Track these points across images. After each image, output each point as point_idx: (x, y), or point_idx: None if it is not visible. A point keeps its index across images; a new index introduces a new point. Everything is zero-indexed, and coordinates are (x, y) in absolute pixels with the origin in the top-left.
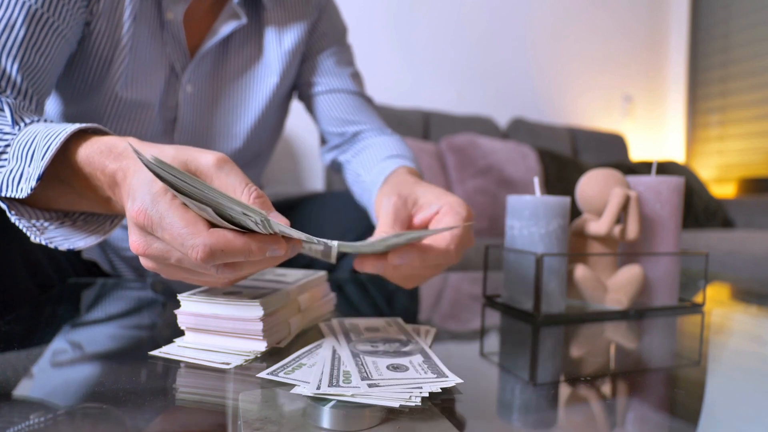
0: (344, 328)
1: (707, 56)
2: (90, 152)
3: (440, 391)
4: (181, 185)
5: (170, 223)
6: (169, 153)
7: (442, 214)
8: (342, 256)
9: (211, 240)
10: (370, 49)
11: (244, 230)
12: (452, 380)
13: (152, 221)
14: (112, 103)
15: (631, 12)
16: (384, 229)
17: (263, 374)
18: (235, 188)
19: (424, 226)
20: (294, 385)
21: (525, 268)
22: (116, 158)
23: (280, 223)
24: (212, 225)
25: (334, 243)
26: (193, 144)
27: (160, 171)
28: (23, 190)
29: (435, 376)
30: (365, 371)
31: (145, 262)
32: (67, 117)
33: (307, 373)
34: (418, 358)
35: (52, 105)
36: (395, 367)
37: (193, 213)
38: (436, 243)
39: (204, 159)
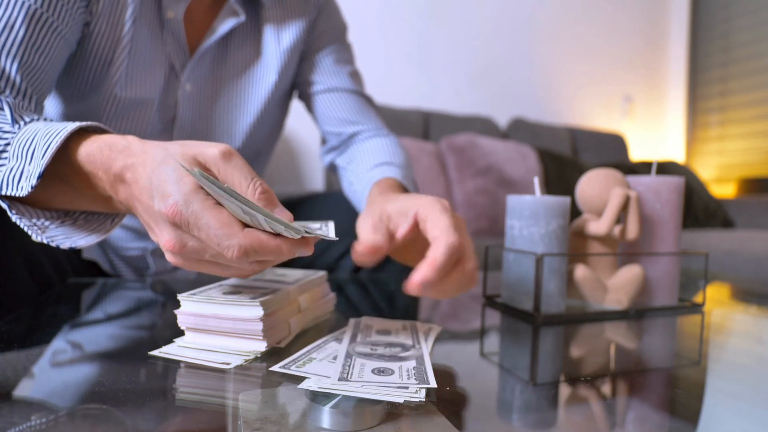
0: (359, 327)
1: (707, 56)
2: (90, 150)
3: (405, 401)
4: (225, 197)
5: (206, 223)
6: (176, 150)
7: (422, 219)
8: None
9: (246, 241)
10: (371, 50)
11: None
12: (423, 389)
13: (188, 221)
14: (111, 102)
15: (632, 12)
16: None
17: (276, 368)
18: (241, 183)
19: (408, 237)
20: (301, 380)
21: (525, 268)
22: (119, 156)
23: (301, 230)
24: (245, 225)
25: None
26: None
27: (205, 183)
28: (23, 189)
29: (417, 382)
30: (347, 372)
31: (172, 259)
32: (66, 116)
33: (318, 367)
34: (410, 364)
35: (51, 104)
36: (381, 371)
37: (227, 213)
38: (435, 250)
39: (210, 152)
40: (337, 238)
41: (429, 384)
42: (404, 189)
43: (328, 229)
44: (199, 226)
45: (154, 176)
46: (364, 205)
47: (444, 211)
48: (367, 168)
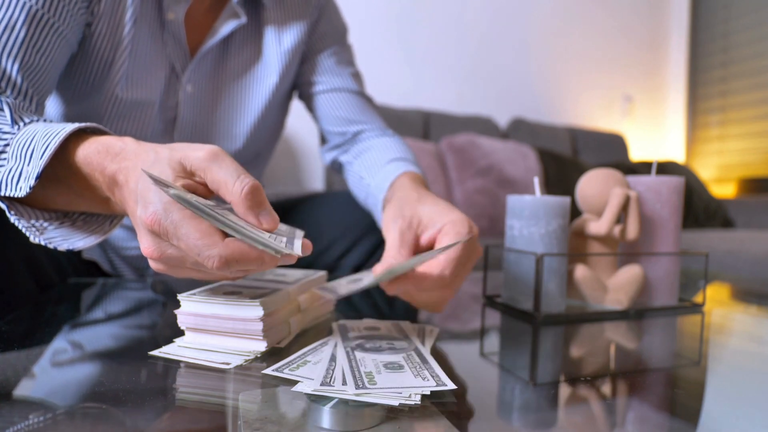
0: (351, 328)
1: (707, 56)
2: (88, 152)
3: (437, 390)
4: (205, 214)
5: (185, 233)
6: (164, 155)
7: (443, 234)
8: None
9: (226, 251)
10: (370, 49)
11: None
12: (449, 385)
13: (167, 230)
14: (112, 103)
15: (631, 12)
16: (392, 254)
17: (268, 370)
18: (227, 182)
19: (431, 246)
20: (297, 382)
21: (525, 268)
22: (114, 159)
23: (282, 249)
24: (224, 234)
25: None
26: None
27: (184, 203)
28: (22, 189)
29: (432, 379)
30: (363, 371)
31: (154, 265)
32: (68, 117)
33: (312, 370)
34: (414, 358)
35: (53, 105)
36: (390, 365)
37: (207, 223)
38: (431, 270)
39: (195, 155)
40: (299, 255)
41: (444, 383)
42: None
43: (293, 247)
44: (179, 236)
45: (141, 181)
46: (384, 196)
47: (463, 237)
48: (382, 162)
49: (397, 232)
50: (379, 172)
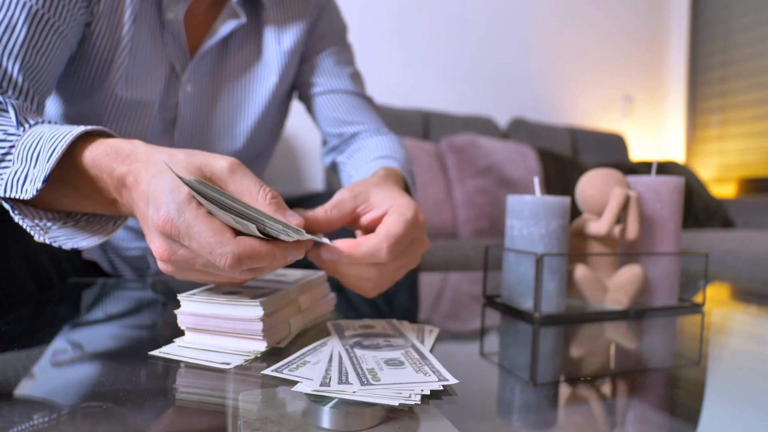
0: (347, 327)
1: (707, 56)
2: (96, 154)
3: (441, 389)
4: (224, 203)
5: (198, 232)
6: (181, 158)
7: (388, 215)
8: None
9: (238, 248)
10: (370, 49)
11: (265, 237)
12: (450, 380)
13: (179, 230)
14: (112, 103)
15: (631, 12)
16: (319, 212)
17: (268, 371)
18: (251, 191)
19: (372, 227)
20: (296, 382)
21: (525, 268)
22: (124, 161)
23: (302, 230)
24: (236, 232)
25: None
26: (193, 144)
27: (201, 189)
28: (28, 192)
29: (433, 374)
30: (364, 370)
31: (163, 266)
32: (67, 117)
33: (311, 370)
34: (412, 354)
35: (52, 105)
36: (391, 363)
37: (219, 221)
38: (367, 241)
39: (218, 164)
40: (331, 243)
41: (446, 378)
42: (403, 180)
43: (321, 235)
44: (191, 235)
45: (153, 183)
46: None
47: (405, 223)
48: (367, 160)
49: (340, 197)
50: (362, 170)
